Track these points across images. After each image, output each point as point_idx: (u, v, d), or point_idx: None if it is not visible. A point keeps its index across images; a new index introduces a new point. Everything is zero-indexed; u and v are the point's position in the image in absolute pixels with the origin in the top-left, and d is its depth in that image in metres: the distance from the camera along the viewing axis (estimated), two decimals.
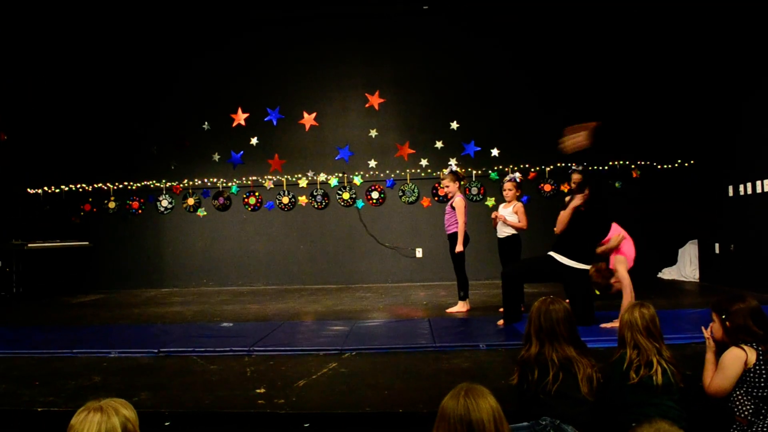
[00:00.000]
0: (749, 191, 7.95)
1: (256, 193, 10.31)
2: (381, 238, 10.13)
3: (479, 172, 9.87)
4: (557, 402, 2.97)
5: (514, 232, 6.77)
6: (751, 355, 2.97)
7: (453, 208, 6.89)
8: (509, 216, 6.79)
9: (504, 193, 6.95)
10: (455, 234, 6.86)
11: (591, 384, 3.00)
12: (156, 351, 5.13)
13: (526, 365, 3.10)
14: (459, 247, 6.79)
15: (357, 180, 10.08)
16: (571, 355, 3.05)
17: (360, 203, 10.16)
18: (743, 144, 8.07)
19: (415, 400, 3.68)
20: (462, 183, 7.23)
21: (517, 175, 7.04)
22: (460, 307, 6.94)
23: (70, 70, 10.29)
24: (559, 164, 9.76)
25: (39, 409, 3.70)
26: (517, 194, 6.92)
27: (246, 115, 9.77)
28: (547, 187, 9.84)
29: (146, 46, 10.25)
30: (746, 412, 2.94)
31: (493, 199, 9.67)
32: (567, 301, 5.16)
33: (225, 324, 6.43)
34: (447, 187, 7.00)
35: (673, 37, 9.38)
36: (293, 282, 10.17)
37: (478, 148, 9.74)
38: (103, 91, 10.34)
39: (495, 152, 9.77)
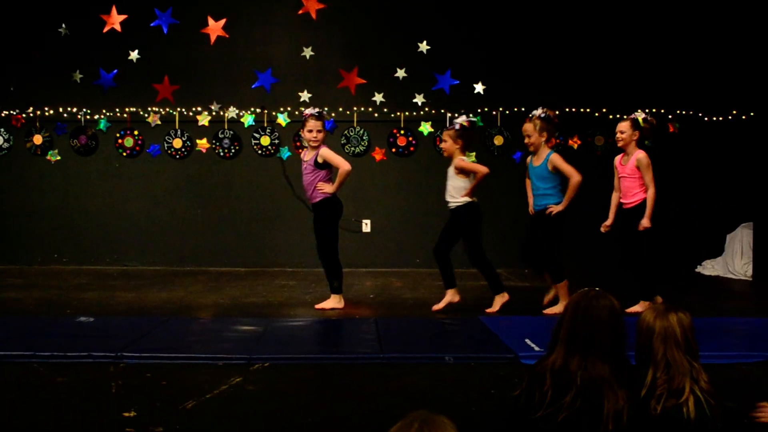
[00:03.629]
0: None
1: (135, 132, 10.17)
2: None
3: (456, 114, 9.89)
4: None
5: (466, 200, 6.94)
6: None
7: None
8: (450, 179, 7.00)
9: (442, 146, 7.18)
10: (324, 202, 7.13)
11: (618, 423, 3.00)
12: None
13: (538, 378, 3.11)
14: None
15: (282, 119, 10.00)
16: (603, 376, 3.05)
17: (285, 152, 10.09)
18: None
19: (355, 430, 3.70)
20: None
21: (461, 119, 7.13)
22: (334, 303, 7.15)
23: None
24: (568, 109, 9.85)
25: None
26: (458, 146, 6.98)
27: (123, 17, 9.48)
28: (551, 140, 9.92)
29: None
30: None
31: (474, 154, 9.73)
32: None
33: (83, 318, 6.38)
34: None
35: None
36: (185, 262, 10.12)
37: (456, 81, 9.72)
38: None
39: (479, 88, 9.77)
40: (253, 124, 10.07)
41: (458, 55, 9.84)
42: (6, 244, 10.14)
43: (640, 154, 6.79)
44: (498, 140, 10.04)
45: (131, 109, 10.10)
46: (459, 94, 9.73)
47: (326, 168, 7.09)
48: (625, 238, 6.92)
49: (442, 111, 9.91)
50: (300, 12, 9.46)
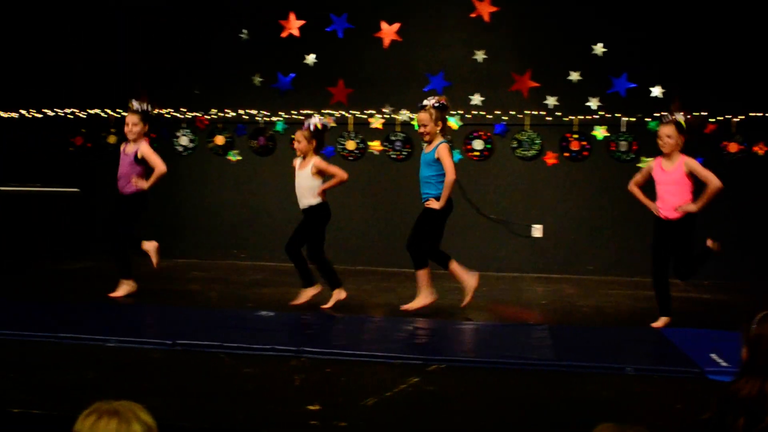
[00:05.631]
0: None
1: None
2: (483, 206, 10.03)
3: (632, 119, 9.62)
4: None
5: (319, 200, 7.08)
6: None
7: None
8: (304, 179, 7.09)
9: (294, 146, 7.26)
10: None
11: None
12: (170, 342, 5.30)
13: (729, 405, 2.98)
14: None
15: (453, 122, 9.98)
16: None
17: (456, 155, 10.07)
18: None
19: None
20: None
21: (314, 120, 7.16)
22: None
23: None
24: (752, 114, 9.38)
25: (15, 410, 3.86)
26: (312, 146, 7.12)
27: (301, 22, 9.76)
28: (733, 147, 9.51)
29: None
30: None
31: (651, 159, 9.42)
32: None
33: (264, 313, 6.59)
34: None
35: None
36: (356, 261, 10.24)
37: (633, 85, 9.47)
38: None
39: (657, 91, 9.48)
40: None
41: (635, 57, 9.55)
42: (188, 239, 10.60)
43: (689, 160, 6.40)
44: None
45: (307, 111, 10.33)
46: (635, 98, 9.47)
47: (144, 164, 7.30)
48: (678, 250, 6.46)
49: (617, 115, 9.65)
50: (472, 15, 9.45)
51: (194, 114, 10.55)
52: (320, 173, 7.09)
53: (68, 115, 10.72)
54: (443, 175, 6.95)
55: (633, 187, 6.72)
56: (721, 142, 9.55)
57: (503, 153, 10.05)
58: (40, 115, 10.68)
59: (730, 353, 4.32)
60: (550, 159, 9.90)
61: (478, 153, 10.03)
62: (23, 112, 10.64)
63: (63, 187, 10.45)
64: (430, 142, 7.06)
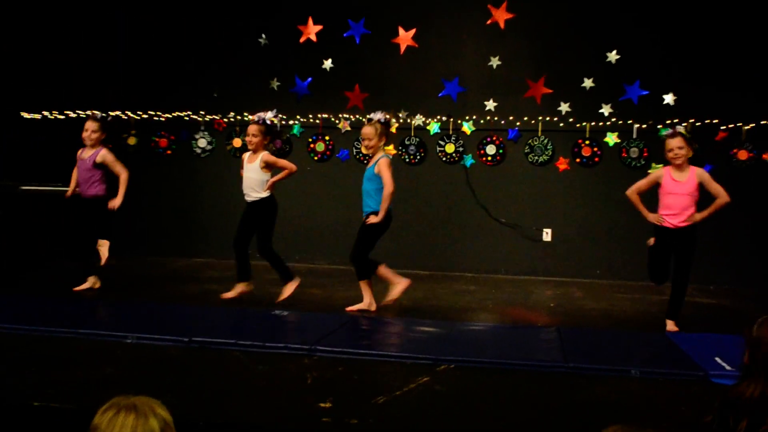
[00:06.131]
0: None
1: (327, 137, 10.44)
2: (495, 210, 10.07)
3: (643, 126, 9.62)
4: None
5: (266, 194, 7.23)
6: None
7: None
8: (253, 172, 7.22)
9: (247, 140, 7.37)
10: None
11: None
12: (186, 340, 5.38)
13: (731, 407, 3.00)
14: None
15: (467, 127, 10.01)
16: None
17: (469, 159, 10.10)
18: None
19: None
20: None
21: (268, 115, 7.38)
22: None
23: None
24: (762, 122, 9.37)
25: (36, 404, 3.93)
26: (265, 142, 7.34)
27: (319, 27, 9.85)
28: (743, 154, 9.49)
29: None
30: None
31: (660, 166, 9.42)
32: None
33: (277, 312, 6.65)
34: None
35: None
36: None
37: (645, 92, 9.48)
38: None
39: (669, 99, 9.48)
40: (439, 131, 10.14)
41: (648, 64, 9.55)
42: (206, 239, 10.65)
43: (702, 172, 6.46)
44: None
45: (323, 115, 10.39)
46: (647, 105, 9.48)
47: (103, 168, 7.55)
48: (683, 257, 6.47)
49: (629, 122, 9.65)
50: (488, 22, 9.51)
51: (213, 117, 10.62)
52: (269, 167, 7.24)
53: (88, 117, 10.80)
54: (381, 188, 7.07)
55: (633, 194, 6.71)
56: (732, 149, 9.53)
57: (516, 158, 10.05)
58: (62, 117, 10.77)
59: (735, 357, 4.33)
60: (562, 164, 9.90)
61: (490, 157, 10.04)
62: (46, 113, 10.74)
63: None
64: (372, 156, 7.16)
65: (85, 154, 7.60)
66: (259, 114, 7.34)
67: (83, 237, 7.66)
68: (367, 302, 7.10)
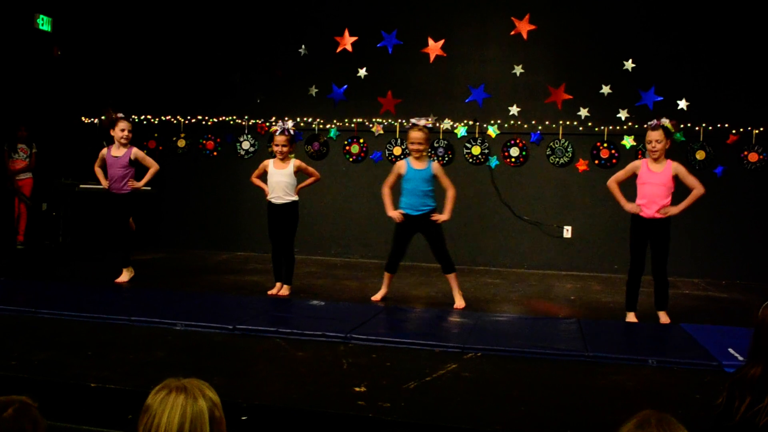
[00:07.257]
0: None
1: (361, 140, 10.45)
2: (518, 209, 10.02)
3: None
4: None
5: (296, 197, 7.27)
6: None
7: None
8: (283, 175, 7.14)
9: (277, 149, 7.16)
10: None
11: None
12: (231, 327, 5.39)
13: (738, 387, 2.96)
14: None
15: (492, 131, 9.97)
16: None
17: (494, 161, 10.06)
18: None
19: (563, 423, 3.65)
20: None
21: (289, 124, 7.22)
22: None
23: None
24: None
25: (92, 385, 3.95)
26: (291, 149, 7.25)
27: (354, 38, 9.82)
28: (753, 157, 9.35)
29: None
30: None
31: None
32: None
33: (315, 302, 6.66)
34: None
35: None
36: None
37: (660, 98, 9.37)
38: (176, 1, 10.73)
39: (682, 104, 9.37)
40: (466, 134, 10.10)
41: (663, 71, 9.45)
42: (247, 234, 10.70)
43: (677, 165, 6.29)
44: (700, 155, 9.50)
45: (358, 119, 10.40)
46: (662, 110, 9.35)
47: (135, 165, 7.50)
48: (658, 248, 6.33)
49: (645, 126, 9.53)
50: (512, 33, 9.43)
51: (255, 121, 10.66)
52: (299, 171, 7.22)
53: (143, 121, 10.91)
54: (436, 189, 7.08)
55: (613, 184, 6.55)
56: (742, 152, 9.41)
57: (538, 159, 10.00)
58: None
59: (747, 348, 4.27)
60: (582, 166, 9.82)
61: (514, 159, 9.99)
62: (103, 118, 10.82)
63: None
64: (417, 159, 7.02)
65: (118, 152, 7.48)
66: (280, 124, 7.23)
67: (120, 230, 7.65)
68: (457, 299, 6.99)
